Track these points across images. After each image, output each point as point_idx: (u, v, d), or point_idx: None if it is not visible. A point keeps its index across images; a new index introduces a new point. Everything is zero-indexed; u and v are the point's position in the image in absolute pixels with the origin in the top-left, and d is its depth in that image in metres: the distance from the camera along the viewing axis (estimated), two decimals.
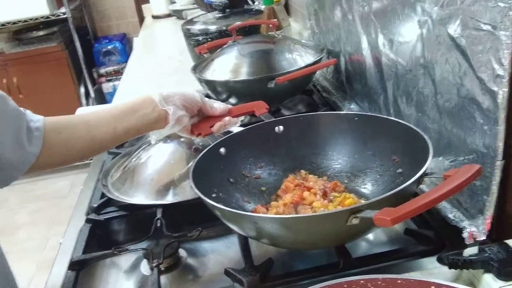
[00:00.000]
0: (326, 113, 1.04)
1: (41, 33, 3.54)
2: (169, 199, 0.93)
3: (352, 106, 1.26)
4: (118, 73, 3.69)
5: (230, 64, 1.29)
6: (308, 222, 0.67)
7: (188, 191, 0.92)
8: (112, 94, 3.55)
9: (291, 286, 0.74)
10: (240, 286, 0.74)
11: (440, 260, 0.68)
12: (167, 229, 0.87)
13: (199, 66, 1.36)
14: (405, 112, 0.93)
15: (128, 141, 1.08)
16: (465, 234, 0.73)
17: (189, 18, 2.08)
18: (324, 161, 0.92)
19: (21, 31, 3.57)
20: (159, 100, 0.86)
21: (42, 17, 3.25)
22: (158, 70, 2.06)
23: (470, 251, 0.65)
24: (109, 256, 0.87)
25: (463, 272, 0.66)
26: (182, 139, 1.02)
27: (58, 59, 3.48)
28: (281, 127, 0.93)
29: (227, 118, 0.93)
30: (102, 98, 3.70)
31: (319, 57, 1.28)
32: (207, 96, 1.13)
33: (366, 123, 0.88)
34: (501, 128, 0.65)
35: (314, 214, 0.76)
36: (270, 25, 1.52)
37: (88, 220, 0.97)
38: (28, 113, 0.81)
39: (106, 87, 3.75)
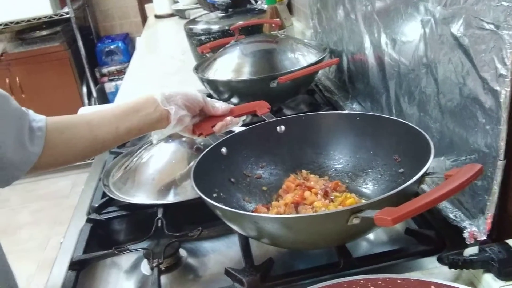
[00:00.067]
0: (328, 112, 1.04)
1: (44, 32, 3.56)
2: (170, 199, 0.93)
3: (354, 106, 1.26)
4: (121, 73, 3.70)
5: (232, 64, 1.29)
6: (308, 222, 0.67)
7: (189, 191, 0.92)
8: (114, 93, 3.56)
9: (292, 286, 0.74)
10: (241, 286, 0.74)
11: (440, 260, 0.68)
12: (168, 229, 0.87)
13: (202, 65, 1.36)
14: (407, 111, 0.93)
15: (129, 140, 1.08)
16: (465, 234, 0.73)
17: (191, 17, 2.08)
18: (325, 160, 0.92)
19: (24, 31, 3.58)
20: (161, 100, 0.86)
21: (45, 17, 3.26)
22: (161, 69, 2.06)
23: (470, 251, 0.65)
24: (109, 256, 0.87)
25: (463, 272, 0.66)
26: (183, 139, 1.02)
27: (61, 58, 3.48)
28: (283, 127, 0.93)
29: (228, 118, 0.93)
30: (104, 97, 3.71)
31: (321, 57, 1.27)
32: (209, 95, 1.13)
33: (368, 122, 0.88)
34: (503, 128, 0.65)
35: (314, 214, 0.76)
36: (273, 25, 1.52)
37: (89, 220, 0.97)
38: (31, 113, 0.81)
39: (109, 86, 3.76)
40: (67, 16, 3.29)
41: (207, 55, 1.42)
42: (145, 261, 0.86)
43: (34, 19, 3.25)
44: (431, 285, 0.56)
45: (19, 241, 2.91)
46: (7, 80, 3.41)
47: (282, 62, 1.26)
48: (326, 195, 0.83)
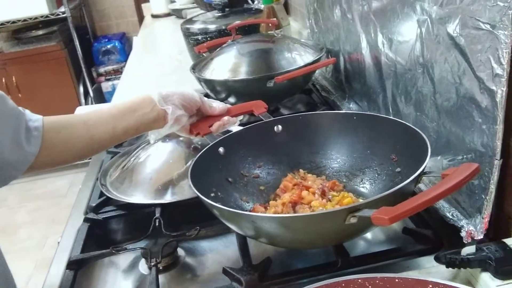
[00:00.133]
0: (325, 112, 1.04)
1: (40, 32, 3.55)
2: (168, 198, 0.93)
3: (351, 105, 1.26)
4: (117, 72, 3.69)
5: (229, 63, 1.29)
6: (306, 221, 0.67)
7: (186, 191, 0.92)
8: (111, 93, 3.55)
9: (289, 285, 0.74)
10: (239, 285, 0.74)
11: (437, 259, 0.68)
12: (166, 228, 0.87)
13: (198, 65, 1.36)
14: (404, 111, 0.93)
15: (126, 140, 1.08)
16: (463, 233, 0.73)
17: (188, 17, 2.08)
18: (322, 160, 0.92)
19: (20, 30, 3.57)
20: (158, 100, 0.86)
21: (41, 16, 3.25)
22: (158, 69, 2.06)
23: (467, 250, 0.65)
24: (107, 256, 0.87)
25: (460, 271, 0.66)
26: (181, 139, 1.02)
27: (57, 58, 3.48)
28: (280, 127, 0.93)
29: (226, 118, 0.93)
30: (101, 97, 3.71)
31: (318, 56, 1.28)
32: (206, 95, 1.13)
33: (365, 122, 0.88)
34: (500, 127, 0.65)
35: (312, 213, 0.76)
36: (270, 24, 1.51)
37: (86, 219, 0.97)
38: (27, 112, 0.81)
39: (105, 86, 3.76)
40: (64, 15, 3.29)
41: (204, 54, 1.42)
42: (143, 261, 0.86)
43: (30, 18, 3.25)
44: (428, 284, 0.56)
45: (16, 241, 2.90)
46: (3, 80, 3.40)
47: (279, 61, 1.26)
48: (323, 194, 0.83)
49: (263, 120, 0.94)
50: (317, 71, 1.43)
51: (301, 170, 0.91)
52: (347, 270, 0.74)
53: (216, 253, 0.87)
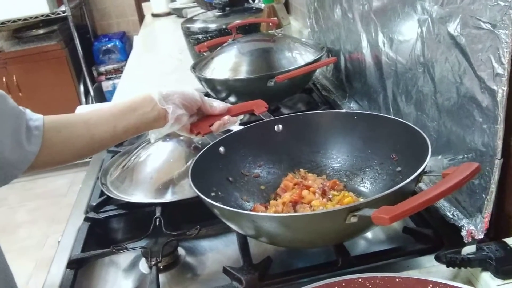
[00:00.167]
0: (326, 111, 1.04)
1: (41, 31, 3.55)
2: (168, 197, 0.93)
3: (351, 105, 1.26)
4: (118, 72, 3.69)
5: (229, 63, 1.29)
6: (306, 221, 0.67)
7: (187, 190, 0.92)
8: (111, 92, 3.55)
9: (290, 285, 0.74)
10: (239, 285, 0.74)
11: (438, 259, 0.68)
12: (166, 228, 0.87)
13: (199, 64, 1.36)
14: (405, 110, 0.93)
15: (127, 139, 1.08)
16: (463, 233, 0.73)
17: (189, 16, 2.08)
18: (323, 159, 0.92)
19: (21, 30, 3.57)
20: (159, 99, 0.86)
21: (42, 16, 3.25)
22: (158, 68, 2.06)
23: (468, 250, 0.65)
24: (107, 255, 0.87)
25: (461, 271, 0.66)
26: (181, 138, 1.02)
27: (58, 57, 3.48)
28: (281, 126, 0.93)
29: (226, 117, 0.93)
30: (101, 96, 3.71)
31: (319, 56, 1.28)
32: (207, 95, 1.13)
33: (365, 121, 0.88)
34: (500, 127, 0.65)
35: (312, 212, 0.76)
36: (270, 24, 1.51)
37: (87, 219, 0.97)
38: (28, 112, 0.81)
39: (106, 85, 3.76)
40: (64, 14, 3.29)
41: (205, 54, 1.42)
42: (143, 260, 0.86)
43: (31, 17, 3.25)
44: (429, 283, 0.56)
45: (17, 240, 2.91)
46: (4, 79, 3.40)
47: (279, 61, 1.26)
48: (324, 193, 0.83)
49: (263, 119, 0.94)
50: (317, 71, 1.43)
51: (301, 170, 0.91)
52: (348, 270, 0.74)
53: (217, 252, 0.87)
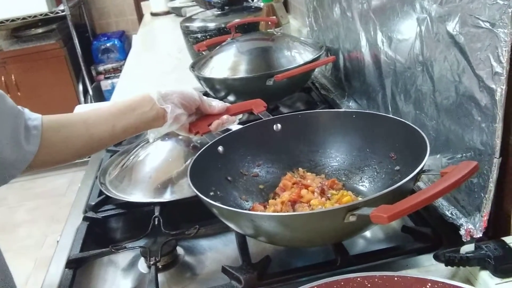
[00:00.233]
0: (325, 110, 1.04)
1: (39, 30, 3.54)
2: (167, 197, 0.93)
3: (350, 104, 1.26)
4: (117, 71, 3.69)
5: (228, 62, 1.29)
6: (305, 220, 0.67)
7: (186, 189, 0.92)
8: (110, 91, 3.55)
9: (289, 284, 0.74)
10: (238, 284, 0.74)
11: (436, 258, 0.68)
12: (165, 227, 0.87)
13: (198, 63, 1.36)
14: (403, 109, 0.93)
15: (126, 139, 1.08)
16: (462, 232, 0.73)
17: (188, 15, 2.08)
18: (322, 158, 0.92)
19: (19, 29, 3.57)
20: (158, 98, 0.86)
21: (40, 15, 3.24)
22: (157, 67, 2.05)
23: (466, 248, 0.65)
24: (106, 254, 0.87)
25: (459, 269, 0.67)
26: (180, 137, 1.02)
27: (57, 56, 3.47)
28: (279, 125, 0.93)
29: (225, 117, 0.93)
30: (100, 95, 3.70)
31: (317, 55, 1.28)
32: (206, 94, 1.13)
33: (364, 120, 0.88)
34: (499, 126, 0.65)
35: (311, 211, 0.76)
36: (269, 23, 1.51)
37: (85, 218, 0.97)
38: (26, 111, 0.80)
39: (105, 84, 3.75)
40: (63, 13, 3.28)
41: (204, 53, 1.42)
42: (142, 259, 0.86)
43: (29, 16, 3.24)
44: (427, 282, 0.56)
45: (16, 239, 2.90)
46: (2, 78, 3.40)
47: (278, 60, 1.26)
48: (322, 193, 0.83)
49: (262, 118, 0.94)
50: (316, 70, 1.43)
51: (300, 169, 0.91)
52: (346, 269, 0.74)
53: (215, 251, 0.87)
